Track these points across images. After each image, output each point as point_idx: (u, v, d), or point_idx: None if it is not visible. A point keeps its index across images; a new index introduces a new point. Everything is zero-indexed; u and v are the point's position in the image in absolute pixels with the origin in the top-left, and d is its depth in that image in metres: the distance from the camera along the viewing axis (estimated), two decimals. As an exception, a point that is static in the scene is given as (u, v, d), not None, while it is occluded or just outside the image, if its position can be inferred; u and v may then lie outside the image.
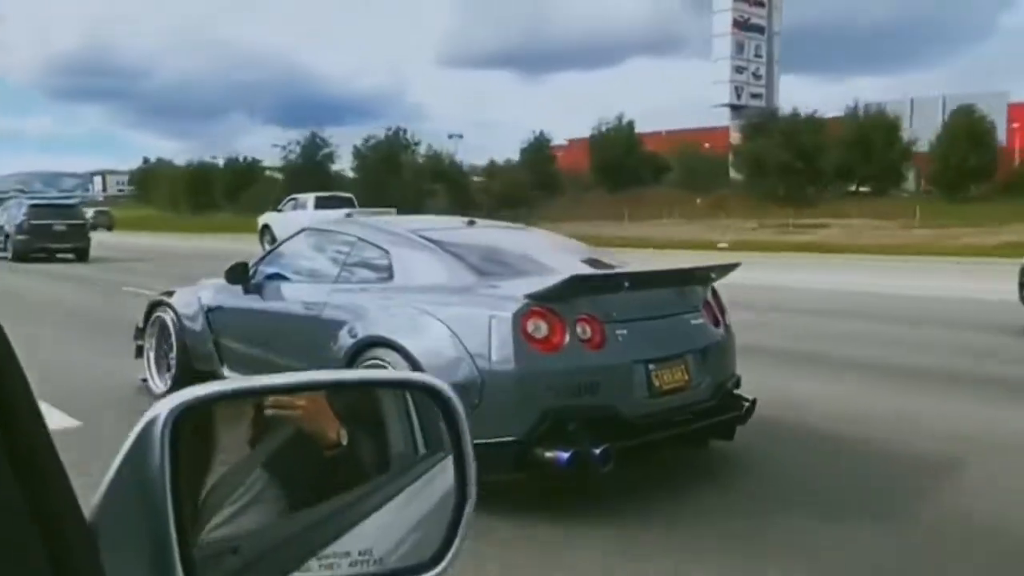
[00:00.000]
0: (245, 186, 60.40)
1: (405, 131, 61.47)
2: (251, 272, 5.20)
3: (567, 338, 3.66)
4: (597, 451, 3.53)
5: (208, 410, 0.95)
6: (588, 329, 3.71)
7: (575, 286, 3.72)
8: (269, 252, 5.39)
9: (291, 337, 4.71)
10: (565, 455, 3.50)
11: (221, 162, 67.77)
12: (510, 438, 3.59)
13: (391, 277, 4.36)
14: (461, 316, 3.81)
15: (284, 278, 5.08)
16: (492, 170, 63.24)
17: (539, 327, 3.64)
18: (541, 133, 61.80)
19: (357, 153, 59.65)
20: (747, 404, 4.30)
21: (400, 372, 1.42)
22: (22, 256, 19.99)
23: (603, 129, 58.95)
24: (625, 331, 3.79)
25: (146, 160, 77.26)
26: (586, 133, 60.61)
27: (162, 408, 0.86)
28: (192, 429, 0.89)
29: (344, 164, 60.61)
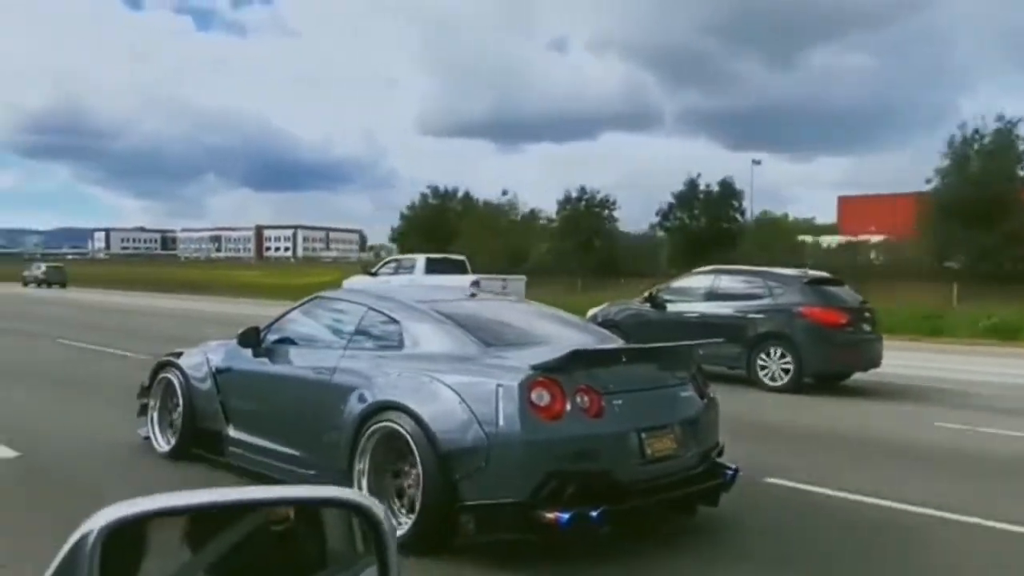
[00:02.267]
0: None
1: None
2: (262, 336, 5.49)
3: (568, 407, 3.99)
4: (595, 513, 3.84)
5: (142, 526, 0.94)
6: (587, 399, 4.05)
7: (577, 359, 4.07)
8: (280, 317, 5.68)
9: (300, 400, 4.98)
10: (566, 516, 3.79)
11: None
12: (513, 499, 3.88)
13: (401, 346, 4.67)
14: (470, 384, 4.12)
15: (294, 343, 5.37)
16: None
17: (543, 396, 3.97)
18: None
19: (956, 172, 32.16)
20: (731, 472, 4.63)
21: (334, 490, 1.23)
22: None
23: None
24: (621, 401, 4.13)
25: (442, 192, 50.05)
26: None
27: (93, 524, 0.88)
28: (125, 545, 0.88)
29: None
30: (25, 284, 49.73)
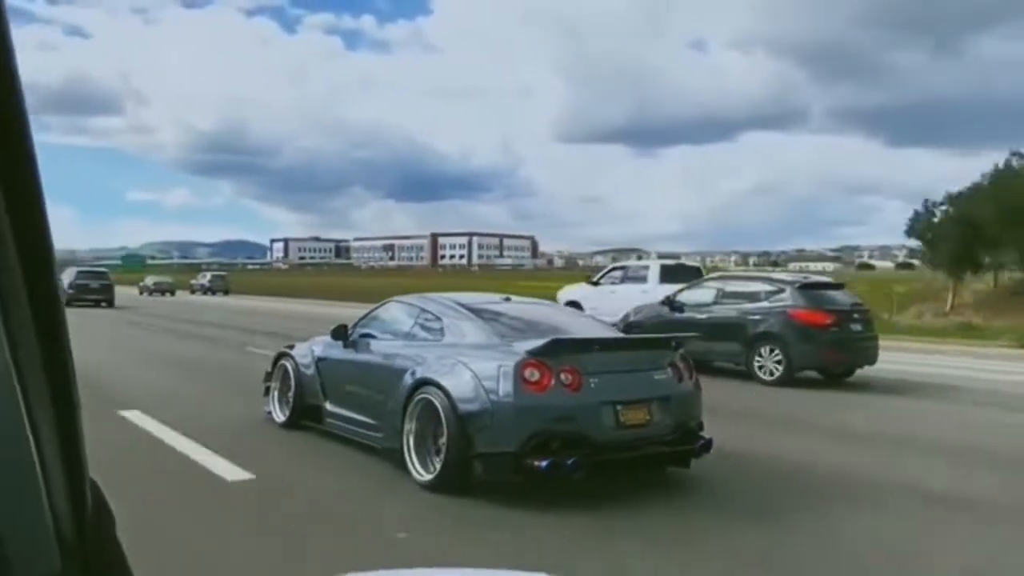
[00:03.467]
0: None
1: None
2: (350, 331, 7.11)
3: (553, 382, 5.32)
4: (569, 462, 5.16)
5: None
6: (569, 377, 5.36)
7: (557, 345, 5.40)
8: (364, 316, 7.29)
9: (373, 379, 6.53)
10: (545, 463, 5.15)
11: None
12: (509, 449, 5.26)
13: (442, 337, 6.14)
14: (483, 365, 5.52)
15: (372, 336, 6.95)
16: None
17: (533, 374, 5.32)
18: None
19: None
20: (702, 442, 5.80)
21: None
22: (69, 303, 28.65)
23: None
24: (597, 380, 5.41)
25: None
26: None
27: None
28: None
29: None
30: (192, 292, 55.14)
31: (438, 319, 6.34)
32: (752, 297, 12.31)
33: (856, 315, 12.11)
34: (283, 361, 7.85)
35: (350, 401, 6.85)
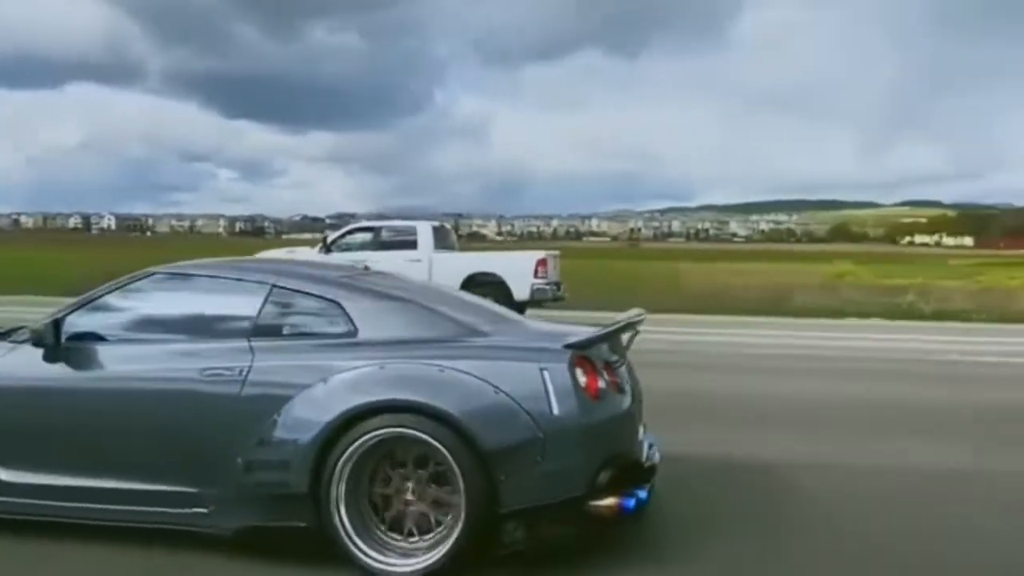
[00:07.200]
0: None
1: None
2: (58, 326, 3.78)
3: (602, 384, 3.67)
4: (644, 495, 3.63)
5: None
6: (608, 375, 3.77)
7: (610, 336, 3.83)
8: (87, 303, 3.91)
9: (168, 425, 3.64)
10: (630, 502, 3.52)
11: None
12: (575, 494, 3.46)
13: (355, 331, 3.70)
14: (500, 369, 3.51)
15: (127, 341, 3.84)
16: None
17: (582, 376, 3.59)
18: None
19: None
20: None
21: None
22: None
23: None
24: (620, 376, 3.94)
25: None
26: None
27: None
28: None
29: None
30: None
31: (328, 303, 3.77)
32: None
33: None
34: None
35: (66, 458, 3.71)
